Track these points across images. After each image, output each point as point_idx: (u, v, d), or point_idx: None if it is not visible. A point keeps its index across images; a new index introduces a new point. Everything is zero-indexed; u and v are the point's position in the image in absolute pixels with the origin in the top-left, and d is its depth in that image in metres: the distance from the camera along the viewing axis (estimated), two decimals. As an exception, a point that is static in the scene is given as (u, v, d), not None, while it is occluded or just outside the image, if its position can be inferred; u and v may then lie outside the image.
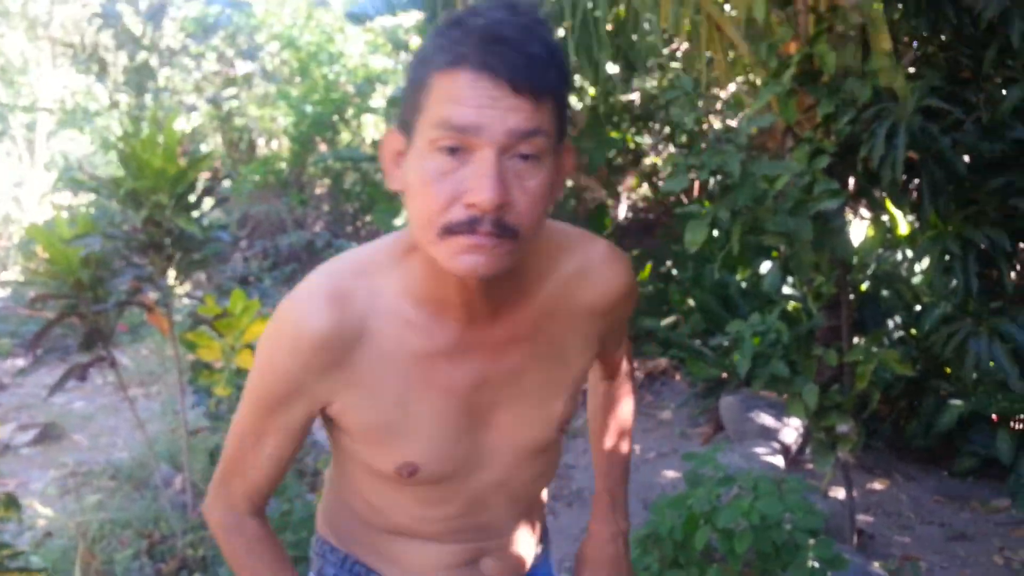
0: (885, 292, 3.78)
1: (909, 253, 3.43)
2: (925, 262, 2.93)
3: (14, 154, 9.53)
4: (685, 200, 5.54)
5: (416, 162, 0.86)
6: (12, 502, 1.29)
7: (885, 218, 2.65)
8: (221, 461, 1.09)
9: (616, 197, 6.28)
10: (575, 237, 1.05)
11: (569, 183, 5.72)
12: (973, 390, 3.34)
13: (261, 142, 8.44)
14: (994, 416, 3.35)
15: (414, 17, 6.62)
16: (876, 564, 2.62)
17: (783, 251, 2.47)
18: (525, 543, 1.18)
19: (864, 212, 2.89)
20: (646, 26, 4.13)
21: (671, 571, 2.15)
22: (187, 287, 5.15)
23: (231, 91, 8.93)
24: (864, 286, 3.69)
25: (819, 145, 2.36)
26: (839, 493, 2.97)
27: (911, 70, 2.58)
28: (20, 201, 9.01)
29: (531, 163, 0.84)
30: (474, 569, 1.13)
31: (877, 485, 3.37)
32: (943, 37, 2.52)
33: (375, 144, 7.30)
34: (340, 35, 8.00)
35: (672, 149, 5.75)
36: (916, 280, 3.83)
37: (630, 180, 6.31)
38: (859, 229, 3.42)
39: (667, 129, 5.68)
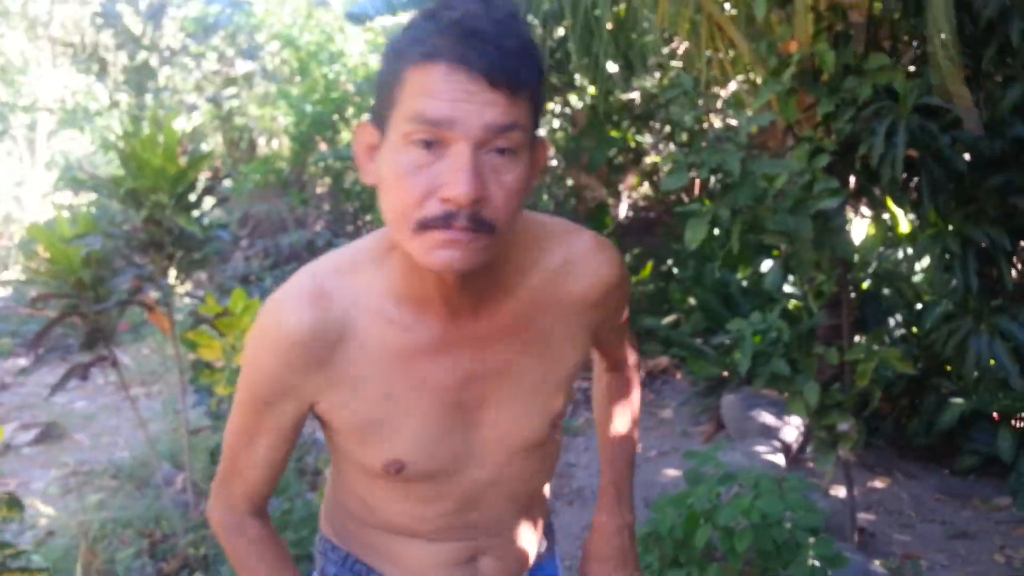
0: (886, 290, 3.78)
1: (910, 251, 3.43)
2: (925, 260, 2.93)
3: (15, 154, 9.54)
4: (686, 199, 5.54)
5: (390, 156, 0.85)
6: (15, 503, 1.29)
7: (886, 216, 2.65)
8: (220, 462, 1.10)
9: (617, 196, 6.29)
10: (559, 229, 1.04)
11: (569, 182, 5.73)
12: (974, 388, 3.34)
13: (262, 141, 8.44)
14: (995, 414, 3.35)
15: (414, 16, 6.61)
16: (877, 562, 2.62)
17: (784, 250, 2.47)
18: (525, 541, 1.18)
19: (865, 210, 2.90)
20: (645, 25, 4.13)
21: (672, 569, 2.15)
22: (188, 286, 5.15)
23: (231, 90, 8.93)
24: (865, 284, 3.69)
25: (819, 144, 2.36)
26: (840, 491, 2.97)
27: (911, 68, 2.58)
28: (21, 200, 9.02)
29: (507, 157, 0.84)
30: (472, 568, 1.13)
31: (878, 483, 3.37)
32: (942, 36, 2.52)
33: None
34: (340, 34, 8.00)
35: (672, 148, 5.75)
36: (917, 278, 3.83)
37: (631, 179, 6.31)
38: (860, 227, 3.43)
39: (667, 128, 5.68)
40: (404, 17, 6.81)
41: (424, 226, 0.83)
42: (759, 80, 3.09)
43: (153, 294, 3.04)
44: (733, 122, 5.08)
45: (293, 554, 1.19)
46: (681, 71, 5.09)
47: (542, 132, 0.95)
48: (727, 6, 3.22)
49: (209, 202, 3.29)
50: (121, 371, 3.13)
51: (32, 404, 5.06)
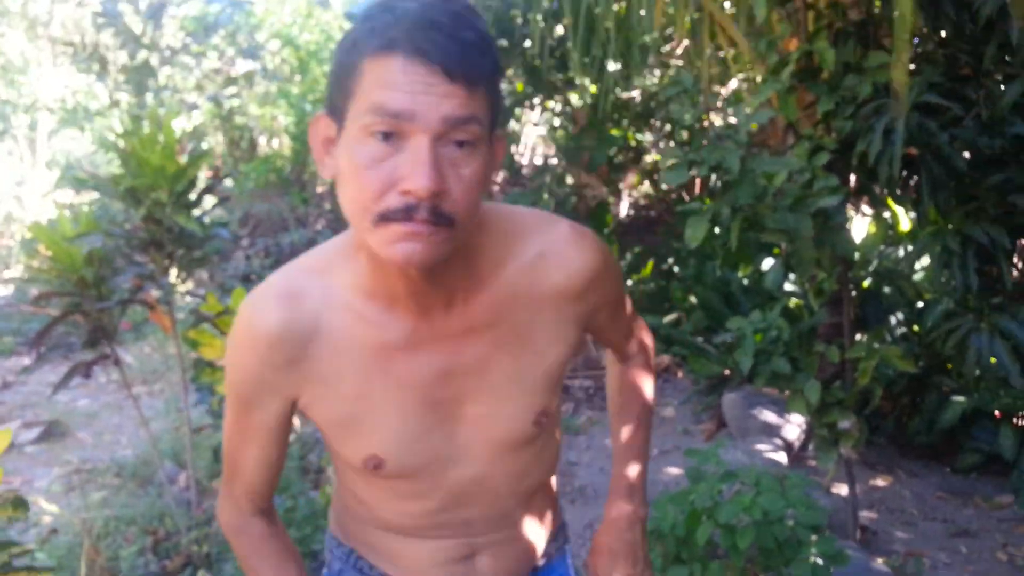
0: (887, 288, 3.78)
1: (911, 249, 3.43)
2: (926, 259, 2.93)
3: (16, 153, 9.55)
4: (686, 197, 5.54)
5: (348, 149, 0.84)
6: (21, 503, 1.29)
7: (887, 214, 2.65)
8: (223, 464, 1.11)
9: (617, 195, 6.29)
10: (534, 221, 1.02)
11: (570, 181, 5.73)
12: (975, 386, 3.34)
13: (262, 141, 8.44)
14: (997, 412, 3.35)
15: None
16: (879, 560, 2.63)
17: (784, 248, 2.47)
18: (526, 539, 1.16)
19: (866, 208, 2.90)
20: (645, 23, 4.13)
21: (673, 567, 2.16)
22: (189, 285, 5.15)
23: (232, 90, 8.93)
24: (866, 283, 3.69)
25: (819, 142, 2.36)
26: (842, 489, 2.97)
27: (910, 67, 2.58)
28: (22, 200, 9.02)
29: (466, 150, 0.83)
30: (470, 566, 1.12)
31: (880, 481, 3.37)
32: (942, 33, 2.52)
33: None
34: (340, 34, 8.00)
35: (672, 146, 5.75)
36: (918, 276, 3.83)
37: (631, 177, 6.31)
38: (861, 225, 3.43)
39: (668, 126, 5.68)
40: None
41: (384, 219, 0.83)
42: (759, 78, 3.09)
43: (154, 293, 3.04)
44: (733, 120, 5.09)
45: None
46: (681, 69, 5.09)
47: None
48: (727, 4, 3.22)
49: (209, 201, 3.30)
50: (123, 369, 3.14)
51: (35, 402, 5.07)
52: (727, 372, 3.93)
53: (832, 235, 2.36)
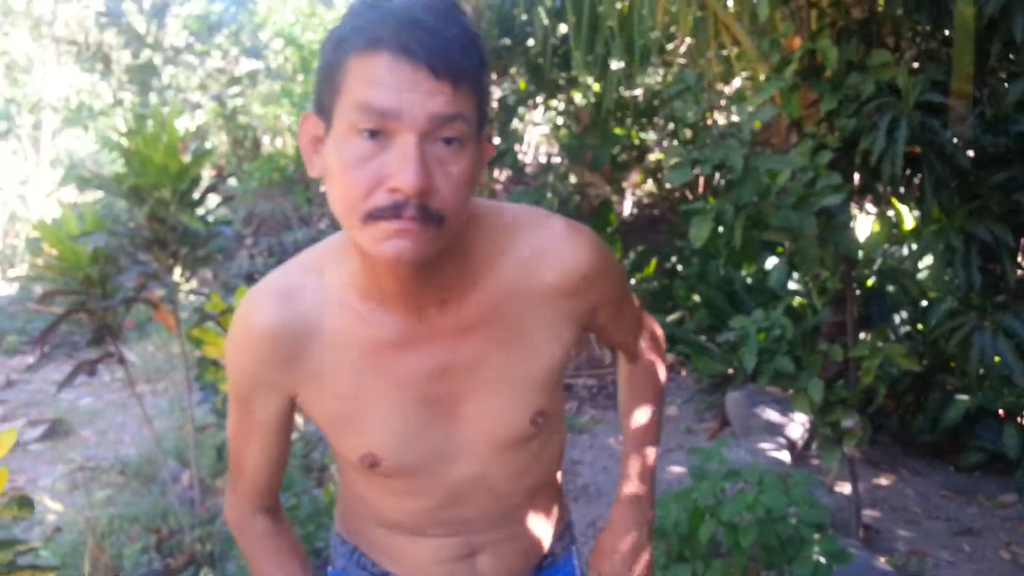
0: (891, 287, 3.77)
1: (915, 248, 3.43)
2: (929, 257, 2.92)
3: (20, 152, 9.57)
4: (690, 196, 5.54)
5: (335, 146, 0.84)
6: (26, 502, 1.29)
7: (890, 213, 2.65)
8: (229, 462, 1.12)
9: (621, 193, 6.28)
10: (527, 218, 1.01)
11: (573, 179, 5.73)
12: (979, 385, 3.34)
13: (266, 140, 8.46)
14: (1001, 411, 3.35)
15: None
16: (882, 559, 2.63)
17: (788, 247, 2.47)
18: (528, 539, 1.16)
19: (869, 207, 2.90)
20: (649, 22, 4.13)
21: (676, 565, 2.16)
22: (193, 284, 5.16)
23: (235, 89, 8.95)
24: (869, 281, 3.69)
25: (822, 140, 2.36)
26: (845, 488, 2.97)
27: (914, 65, 2.57)
28: (26, 199, 9.05)
29: (453, 148, 0.83)
30: (470, 564, 1.12)
31: (883, 480, 3.37)
32: (946, 32, 2.52)
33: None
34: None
35: (676, 145, 5.74)
36: (922, 275, 3.83)
37: (634, 176, 6.30)
38: (865, 224, 3.43)
39: (671, 125, 5.68)
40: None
41: (373, 216, 0.83)
42: (762, 76, 3.09)
43: (158, 291, 3.05)
44: (737, 119, 5.08)
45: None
46: (685, 67, 5.08)
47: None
48: (730, 3, 3.22)
49: (213, 200, 3.31)
50: (128, 368, 3.15)
51: (39, 401, 5.09)
52: (730, 371, 3.93)
53: (836, 234, 2.36)
